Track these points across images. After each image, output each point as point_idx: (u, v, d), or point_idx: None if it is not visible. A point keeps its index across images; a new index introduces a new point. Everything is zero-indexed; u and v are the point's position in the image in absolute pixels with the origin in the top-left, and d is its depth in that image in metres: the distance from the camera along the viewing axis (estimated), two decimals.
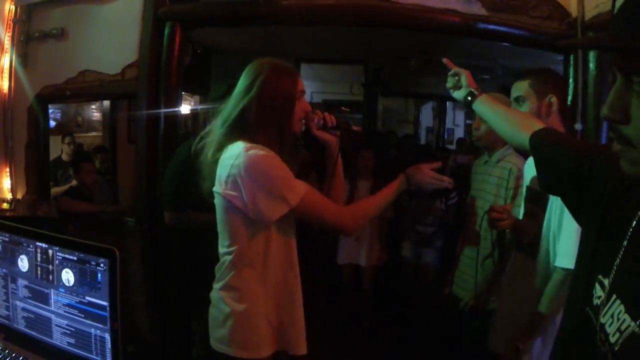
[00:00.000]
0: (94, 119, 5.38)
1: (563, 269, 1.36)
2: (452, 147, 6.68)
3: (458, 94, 1.41)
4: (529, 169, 1.69)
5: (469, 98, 1.35)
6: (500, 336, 1.67)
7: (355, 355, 3.27)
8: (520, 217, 2.08)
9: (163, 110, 2.69)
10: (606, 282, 0.66)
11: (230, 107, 1.39)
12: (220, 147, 1.36)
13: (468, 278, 2.27)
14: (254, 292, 1.36)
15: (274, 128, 1.36)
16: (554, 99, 1.51)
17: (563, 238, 1.37)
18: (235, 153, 1.29)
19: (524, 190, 2.09)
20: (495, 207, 1.63)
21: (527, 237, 1.59)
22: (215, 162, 1.35)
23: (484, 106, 1.31)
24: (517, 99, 1.56)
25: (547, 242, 1.48)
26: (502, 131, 1.23)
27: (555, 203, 1.45)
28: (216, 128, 1.41)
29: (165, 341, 2.56)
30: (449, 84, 1.45)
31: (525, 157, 1.87)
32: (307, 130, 1.50)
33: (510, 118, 1.21)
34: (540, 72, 1.58)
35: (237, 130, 1.36)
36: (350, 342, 3.39)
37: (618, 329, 0.61)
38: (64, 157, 4.26)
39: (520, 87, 1.56)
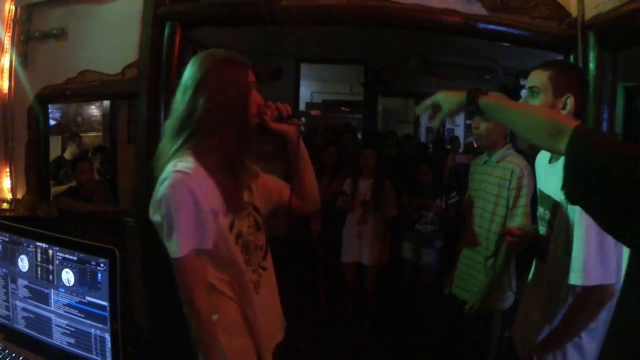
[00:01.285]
0: (94, 119, 5.39)
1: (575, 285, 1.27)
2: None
3: (448, 106, 1.19)
4: (544, 172, 1.52)
5: (470, 97, 1.14)
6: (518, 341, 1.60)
7: (356, 355, 3.27)
8: (519, 217, 2.08)
9: (163, 110, 2.69)
10: None
11: (177, 108, 1.24)
12: (167, 158, 1.21)
13: (468, 279, 2.27)
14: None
15: (229, 128, 1.21)
16: (571, 100, 1.35)
17: (575, 252, 1.27)
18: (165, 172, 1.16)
19: (525, 190, 2.10)
20: (512, 231, 1.52)
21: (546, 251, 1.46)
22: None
23: (494, 103, 1.10)
24: (531, 89, 1.39)
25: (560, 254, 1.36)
26: (523, 129, 1.04)
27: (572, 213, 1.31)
28: (165, 133, 1.27)
29: (165, 341, 2.56)
30: (421, 111, 1.26)
31: (527, 158, 1.83)
32: (261, 124, 1.34)
33: (532, 114, 1.03)
34: (564, 66, 1.42)
35: (185, 134, 1.21)
36: (350, 342, 3.39)
37: None
38: (67, 155, 4.27)
39: (538, 78, 1.38)
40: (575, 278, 1.26)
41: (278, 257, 3.99)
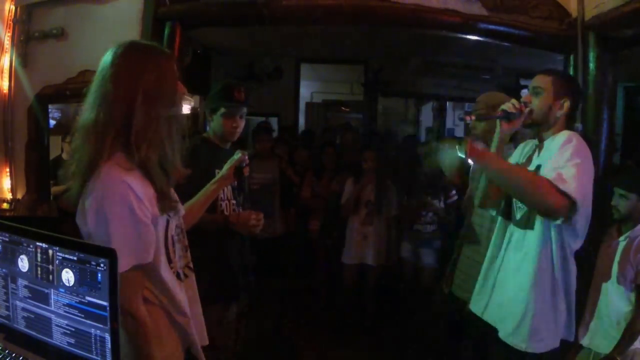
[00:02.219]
0: None
1: None
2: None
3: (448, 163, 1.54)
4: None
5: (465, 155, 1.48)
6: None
7: (356, 354, 3.27)
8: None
9: None
10: None
11: (94, 102, 1.11)
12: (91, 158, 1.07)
13: (469, 279, 2.26)
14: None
15: (159, 126, 1.10)
16: (567, 103, 1.59)
17: None
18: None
19: None
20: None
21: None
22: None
23: (488, 165, 1.53)
24: (535, 89, 1.63)
25: None
26: (513, 193, 1.52)
27: None
28: (81, 130, 1.12)
29: None
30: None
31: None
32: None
33: (521, 186, 1.48)
34: (565, 74, 1.71)
35: (113, 131, 1.08)
36: (350, 341, 3.39)
37: None
38: (64, 156, 4.26)
39: (543, 80, 1.63)
40: None
41: (278, 257, 3.97)
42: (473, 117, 1.78)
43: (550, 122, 1.61)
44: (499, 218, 1.80)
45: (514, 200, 1.69)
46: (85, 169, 1.05)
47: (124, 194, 1.02)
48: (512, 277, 1.63)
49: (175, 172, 1.20)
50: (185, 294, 1.24)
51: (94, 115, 1.09)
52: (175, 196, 1.26)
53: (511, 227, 1.71)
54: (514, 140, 2.25)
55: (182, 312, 1.20)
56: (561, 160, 1.45)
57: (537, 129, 1.66)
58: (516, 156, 1.82)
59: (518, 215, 1.67)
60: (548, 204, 1.42)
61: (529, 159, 1.71)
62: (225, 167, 1.82)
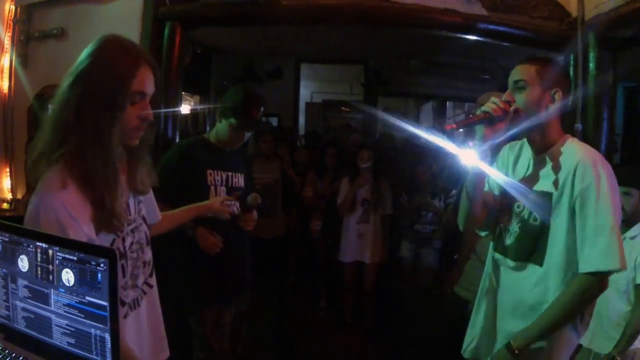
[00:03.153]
0: None
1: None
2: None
3: None
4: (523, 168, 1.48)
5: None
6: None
7: (356, 355, 3.27)
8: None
9: (163, 110, 2.69)
10: None
11: (55, 99, 1.05)
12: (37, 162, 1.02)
13: (473, 279, 2.26)
14: None
15: (104, 126, 1.00)
16: (559, 94, 1.34)
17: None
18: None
19: None
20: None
21: None
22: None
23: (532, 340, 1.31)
24: (516, 83, 1.36)
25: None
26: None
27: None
28: (41, 127, 1.07)
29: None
30: None
31: None
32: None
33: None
34: (549, 61, 1.38)
35: (59, 133, 1.01)
36: (351, 342, 3.39)
37: None
38: None
39: (524, 71, 1.35)
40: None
41: (279, 257, 3.97)
42: (454, 126, 1.38)
43: (541, 120, 1.33)
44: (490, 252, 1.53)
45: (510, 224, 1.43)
46: (32, 167, 1.02)
47: (57, 214, 0.96)
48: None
49: (134, 184, 1.13)
50: (128, 314, 1.15)
51: (51, 113, 1.05)
52: (134, 210, 1.18)
53: (500, 259, 1.45)
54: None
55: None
56: (598, 213, 1.22)
57: (528, 133, 1.37)
58: (501, 166, 1.53)
59: (508, 241, 1.42)
60: (597, 293, 1.26)
61: (529, 177, 1.41)
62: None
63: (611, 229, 1.22)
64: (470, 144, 1.36)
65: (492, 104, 1.31)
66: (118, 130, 1.03)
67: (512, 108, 1.33)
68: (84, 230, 1.00)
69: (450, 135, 2.42)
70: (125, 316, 1.14)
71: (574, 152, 1.32)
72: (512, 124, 1.34)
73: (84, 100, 1.00)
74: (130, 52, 1.08)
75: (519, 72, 1.37)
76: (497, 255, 1.47)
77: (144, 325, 1.22)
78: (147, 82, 1.08)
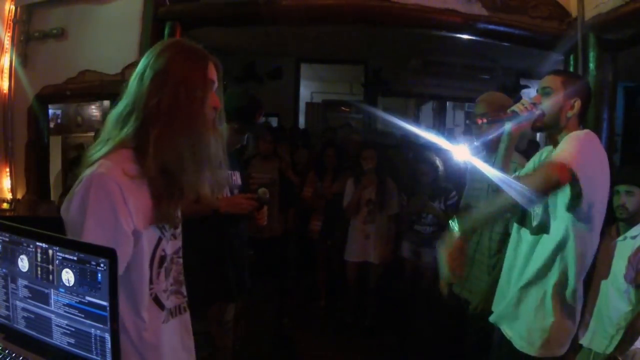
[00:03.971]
0: (94, 119, 5.38)
1: None
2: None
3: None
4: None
5: None
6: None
7: (356, 355, 3.27)
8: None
9: None
10: None
11: (126, 97, 1.07)
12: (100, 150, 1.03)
13: (472, 279, 2.25)
14: None
15: (179, 127, 1.03)
16: (578, 103, 1.54)
17: None
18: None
19: None
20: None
21: None
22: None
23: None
24: (544, 89, 1.58)
25: None
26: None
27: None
28: (107, 123, 1.08)
29: None
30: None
31: (528, 157, 1.85)
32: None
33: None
34: (575, 74, 1.68)
35: (130, 126, 1.03)
36: (351, 342, 3.39)
37: None
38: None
39: (553, 80, 1.57)
40: None
41: (278, 257, 3.98)
42: (485, 120, 1.71)
43: (561, 124, 1.55)
44: (515, 225, 1.72)
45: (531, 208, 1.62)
46: (98, 151, 1.02)
47: (111, 193, 0.95)
48: (531, 289, 1.56)
49: (191, 189, 1.08)
50: (167, 321, 1.10)
51: (121, 109, 1.06)
52: (178, 216, 1.15)
53: (526, 235, 1.63)
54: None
55: (144, 339, 1.04)
56: (562, 145, 1.44)
57: (549, 132, 1.60)
58: (531, 166, 1.76)
59: (534, 222, 1.60)
60: (553, 180, 1.37)
61: None
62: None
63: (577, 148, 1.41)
64: (476, 143, 1.63)
65: (520, 105, 1.55)
66: (204, 116, 1.07)
67: (537, 111, 1.54)
68: (133, 220, 0.97)
69: (450, 135, 2.45)
70: (165, 321, 1.10)
71: (572, 134, 1.52)
72: (536, 124, 1.56)
73: (167, 87, 1.02)
74: (196, 47, 1.15)
75: (547, 80, 1.58)
76: (526, 235, 1.63)
77: (185, 332, 1.19)
78: (214, 72, 1.14)
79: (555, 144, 1.58)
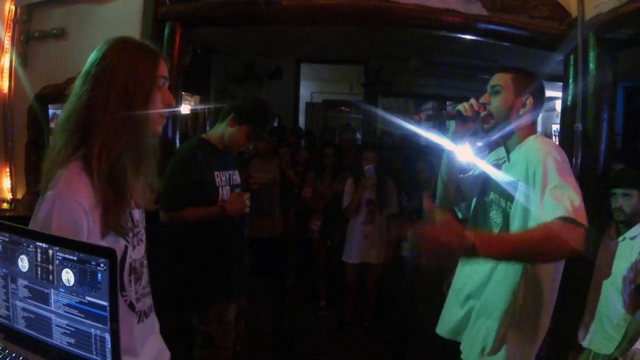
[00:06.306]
0: None
1: None
2: None
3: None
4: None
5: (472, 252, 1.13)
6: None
7: (356, 355, 3.27)
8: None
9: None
10: None
11: (71, 100, 1.03)
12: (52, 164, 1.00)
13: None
14: None
15: (125, 129, 1.00)
16: (530, 100, 1.47)
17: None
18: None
19: None
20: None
21: None
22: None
23: (494, 252, 1.17)
24: (493, 87, 1.51)
25: None
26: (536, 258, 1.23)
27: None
28: (56, 129, 1.05)
29: (166, 341, 2.55)
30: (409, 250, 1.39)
31: None
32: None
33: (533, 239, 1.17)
34: (524, 71, 1.52)
35: (78, 134, 1.00)
36: (351, 342, 3.39)
37: None
38: None
39: (501, 78, 1.50)
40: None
41: (278, 257, 3.97)
42: (423, 117, 1.54)
43: (511, 122, 1.47)
44: None
45: (490, 211, 1.53)
46: (50, 168, 1.01)
47: (73, 213, 0.95)
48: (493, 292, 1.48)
49: (141, 192, 1.07)
50: (140, 322, 1.13)
51: (66, 114, 1.03)
52: (137, 215, 1.14)
53: None
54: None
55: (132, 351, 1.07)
56: (550, 179, 1.25)
57: (501, 135, 1.50)
58: (490, 162, 1.66)
59: (496, 230, 1.49)
60: (573, 248, 1.15)
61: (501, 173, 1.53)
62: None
63: (569, 184, 1.24)
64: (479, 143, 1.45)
65: (466, 104, 1.47)
66: (149, 116, 1.04)
67: (484, 112, 1.47)
68: (98, 234, 0.99)
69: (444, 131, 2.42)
70: (139, 322, 1.14)
71: (531, 144, 1.42)
72: (485, 124, 1.49)
73: (110, 89, 1.00)
74: (144, 44, 1.11)
75: (496, 78, 1.52)
76: None
77: (155, 329, 1.25)
78: (165, 68, 1.11)
79: (507, 151, 1.51)
